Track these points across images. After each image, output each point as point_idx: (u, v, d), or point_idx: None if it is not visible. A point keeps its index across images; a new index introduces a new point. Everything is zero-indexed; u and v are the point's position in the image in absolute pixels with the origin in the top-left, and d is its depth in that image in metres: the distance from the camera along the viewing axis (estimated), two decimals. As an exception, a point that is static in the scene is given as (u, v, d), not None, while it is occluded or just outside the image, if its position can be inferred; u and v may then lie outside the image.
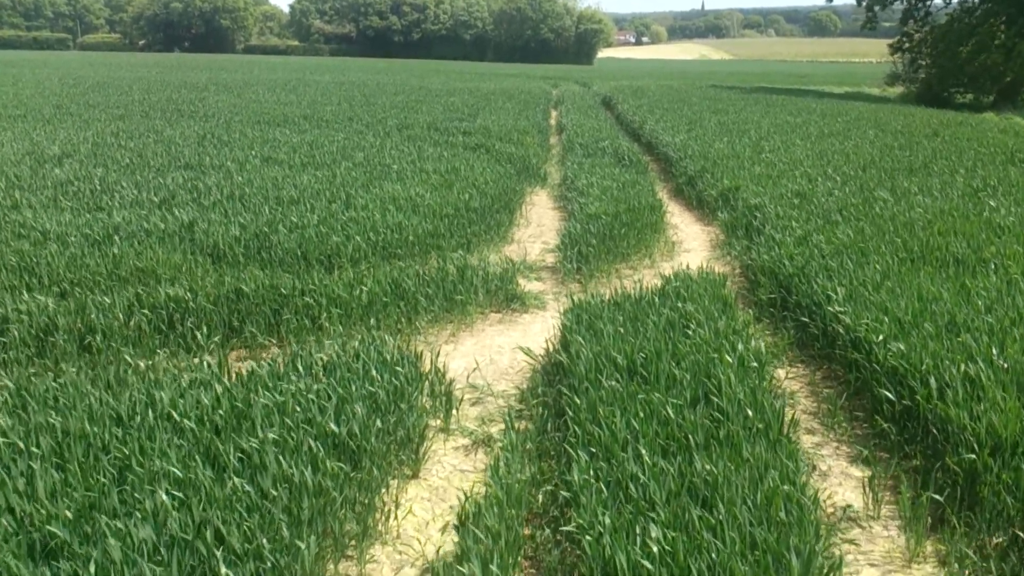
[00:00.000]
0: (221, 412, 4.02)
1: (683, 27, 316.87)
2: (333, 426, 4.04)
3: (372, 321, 6.55)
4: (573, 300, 6.29)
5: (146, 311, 6.09)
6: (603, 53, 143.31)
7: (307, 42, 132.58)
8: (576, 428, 4.09)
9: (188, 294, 6.22)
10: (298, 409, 4.15)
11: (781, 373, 5.75)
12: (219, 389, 4.28)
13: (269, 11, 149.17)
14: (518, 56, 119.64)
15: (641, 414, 4.14)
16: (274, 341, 6.29)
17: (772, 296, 6.97)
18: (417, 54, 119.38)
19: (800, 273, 6.84)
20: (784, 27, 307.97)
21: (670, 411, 4.15)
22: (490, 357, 6.33)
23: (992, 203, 9.04)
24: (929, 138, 15.70)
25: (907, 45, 36.19)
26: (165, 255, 7.44)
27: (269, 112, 20.41)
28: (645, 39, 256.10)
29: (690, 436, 3.96)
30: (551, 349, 5.92)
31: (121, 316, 6.01)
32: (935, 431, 4.29)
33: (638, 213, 9.83)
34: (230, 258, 7.58)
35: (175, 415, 4.00)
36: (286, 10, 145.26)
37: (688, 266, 8.44)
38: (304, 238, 8.06)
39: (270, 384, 4.50)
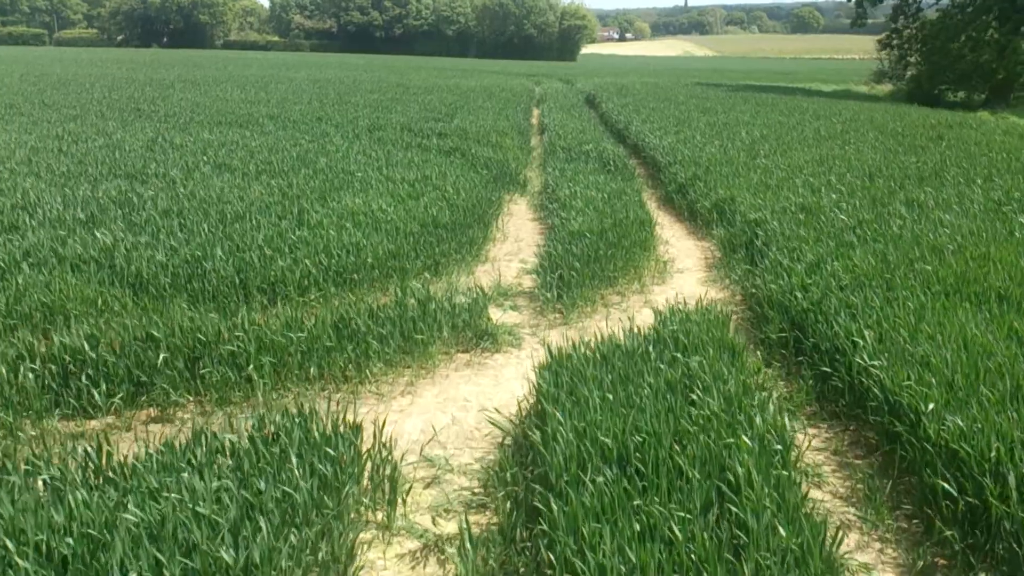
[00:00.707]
0: (70, 541, 2.97)
1: (666, 23, 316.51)
2: (226, 555, 3.01)
3: (313, 370, 5.51)
4: (551, 352, 5.26)
5: (35, 365, 5.02)
6: (587, 49, 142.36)
7: (287, 38, 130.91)
8: (551, 555, 3.07)
9: (86, 343, 5.15)
10: (180, 529, 3.11)
11: (801, 439, 4.75)
12: (78, 498, 3.23)
13: (249, 6, 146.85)
14: (501, 52, 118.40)
15: (638, 531, 3.12)
16: (191, 398, 5.23)
17: (783, 335, 5.98)
18: (399, 50, 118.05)
19: (816, 309, 5.85)
20: (767, 23, 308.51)
21: (676, 528, 3.14)
22: (453, 415, 5.30)
23: (1022, 219, 8.09)
24: (934, 141, 14.77)
25: (896, 42, 35.37)
26: (78, 286, 6.37)
27: (233, 111, 19.25)
28: (629, 35, 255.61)
29: (703, 569, 2.95)
30: (524, 414, 4.90)
31: (4, 370, 4.95)
32: (1015, 546, 3.31)
33: (626, 229, 8.83)
34: (154, 289, 6.51)
35: (9, 546, 2.94)
36: (266, 5, 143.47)
37: (683, 296, 7.46)
38: (244, 263, 7.01)
39: (155, 483, 3.45)
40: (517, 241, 9.98)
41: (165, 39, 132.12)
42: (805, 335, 5.75)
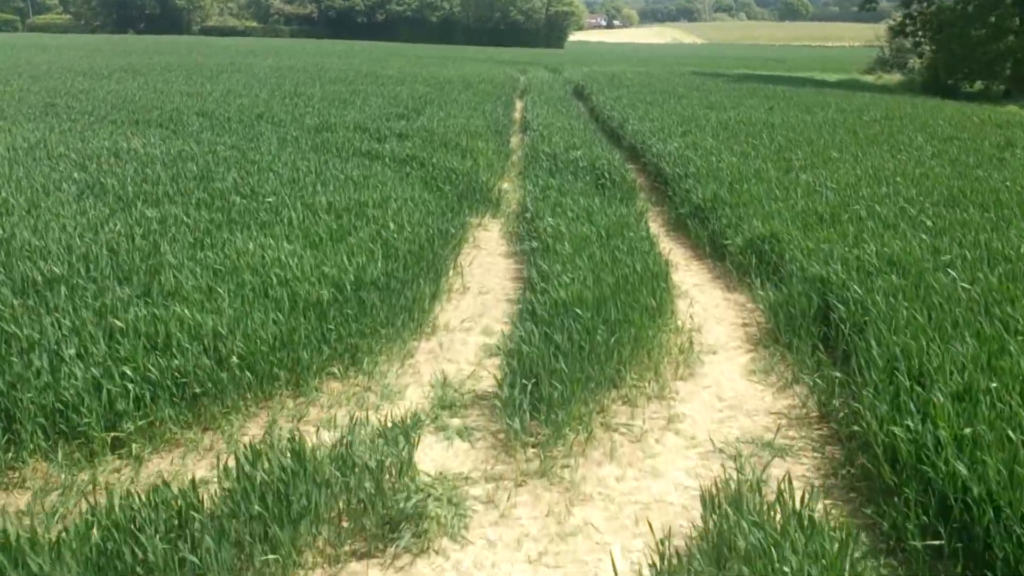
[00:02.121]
0: None
1: (654, 10, 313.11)
2: None
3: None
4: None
5: None
6: (574, 37, 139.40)
7: (267, 23, 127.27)
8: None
9: None
10: None
11: None
12: None
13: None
14: (487, 39, 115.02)
15: None
16: None
17: (939, 543, 3.29)
18: (382, 36, 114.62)
19: (1009, 499, 3.16)
20: (755, 10, 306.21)
21: None
22: None
23: None
24: (1002, 149, 12.07)
25: (909, 28, 32.72)
26: None
27: (162, 107, 16.36)
28: (616, 22, 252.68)
29: None
30: None
31: None
32: None
33: (633, 292, 6.11)
34: None
35: None
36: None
37: (723, 405, 4.82)
38: (21, 380, 4.26)
39: None
40: (482, 294, 7.26)
41: (141, 25, 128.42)
42: (989, 546, 3.06)
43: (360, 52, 53.27)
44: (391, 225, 7.58)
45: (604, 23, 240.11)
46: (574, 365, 4.91)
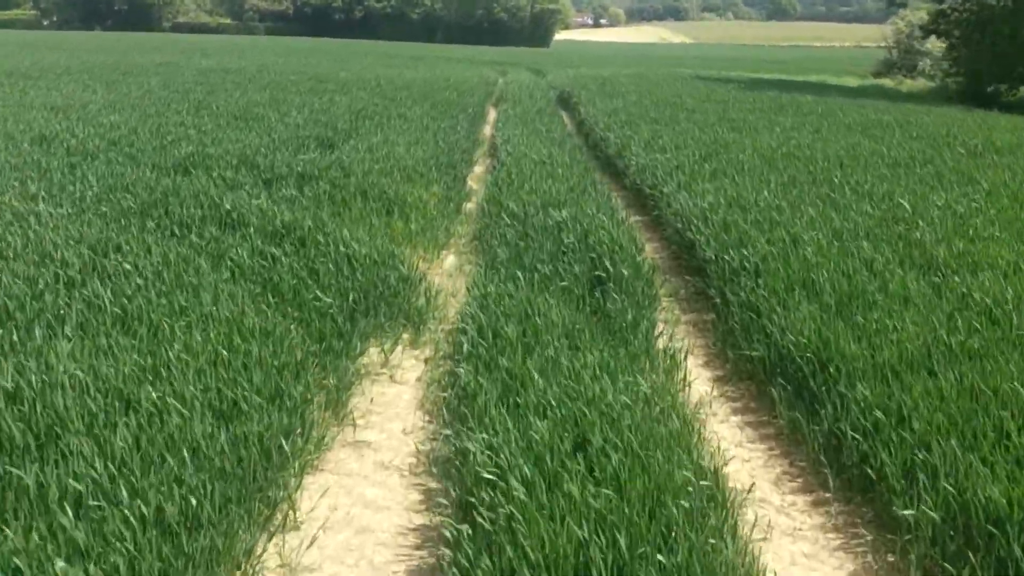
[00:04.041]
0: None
1: (641, 9, 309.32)
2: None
3: None
4: None
5: None
6: (560, 36, 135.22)
7: (241, 20, 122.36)
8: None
9: None
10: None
11: None
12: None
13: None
14: (470, 38, 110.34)
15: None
16: None
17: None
18: (360, 34, 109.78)
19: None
20: (742, 10, 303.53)
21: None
22: None
23: None
24: None
25: (943, 27, 28.55)
26: None
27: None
28: (603, 21, 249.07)
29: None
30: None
31: None
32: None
33: None
34: None
35: None
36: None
37: None
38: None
39: None
40: None
41: (109, 21, 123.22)
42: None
43: (325, 51, 48.74)
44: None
45: (591, 22, 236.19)
46: None
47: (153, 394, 3.80)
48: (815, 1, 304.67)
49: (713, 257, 6.48)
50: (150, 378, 4.00)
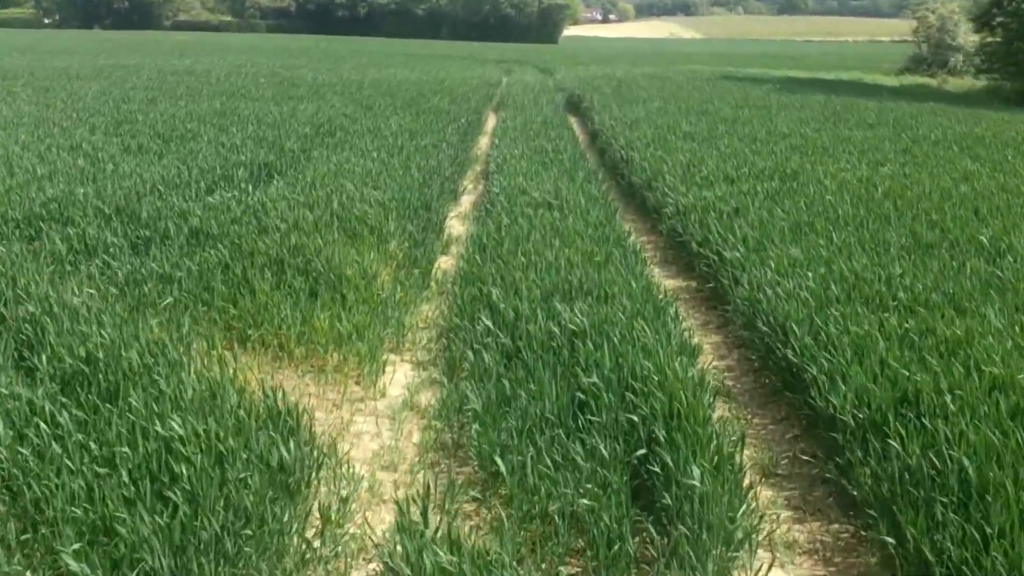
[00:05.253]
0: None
1: (650, 4, 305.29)
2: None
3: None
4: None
5: None
6: (569, 31, 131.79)
7: (242, 18, 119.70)
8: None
9: None
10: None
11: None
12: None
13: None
14: (476, 34, 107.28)
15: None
16: None
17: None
18: (364, 31, 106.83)
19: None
20: (753, 5, 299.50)
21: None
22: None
23: None
24: None
25: (1000, 20, 25.48)
26: None
27: None
28: (612, 17, 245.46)
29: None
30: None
31: None
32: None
33: None
34: None
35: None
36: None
37: None
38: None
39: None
40: None
41: (108, 20, 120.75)
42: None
43: (322, 49, 45.93)
44: None
45: (599, 17, 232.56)
46: None
47: None
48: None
49: (843, 421, 3.48)
50: None
